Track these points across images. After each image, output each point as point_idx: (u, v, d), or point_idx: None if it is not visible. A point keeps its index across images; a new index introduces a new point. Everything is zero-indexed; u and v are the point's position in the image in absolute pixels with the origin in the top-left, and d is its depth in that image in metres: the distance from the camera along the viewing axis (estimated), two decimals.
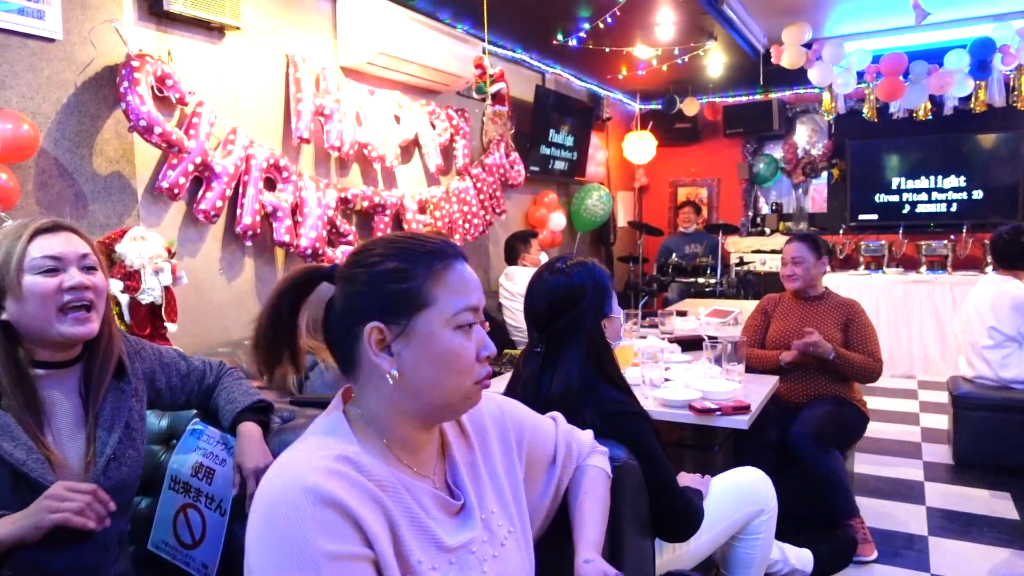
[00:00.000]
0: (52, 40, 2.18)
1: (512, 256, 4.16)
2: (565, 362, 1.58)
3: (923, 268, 5.57)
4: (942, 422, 4.03)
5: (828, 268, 2.83)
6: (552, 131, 5.15)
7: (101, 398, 1.32)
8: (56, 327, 1.22)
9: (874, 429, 3.95)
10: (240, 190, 2.75)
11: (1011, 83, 4.94)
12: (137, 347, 1.47)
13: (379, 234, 3.47)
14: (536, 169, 5.00)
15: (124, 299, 2.16)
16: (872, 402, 4.58)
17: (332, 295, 0.95)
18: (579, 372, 1.56)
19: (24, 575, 1.16)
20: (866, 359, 2.69)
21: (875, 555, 2.50)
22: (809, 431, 2.53)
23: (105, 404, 1.33)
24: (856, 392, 2.76)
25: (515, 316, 4.06)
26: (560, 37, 4.40)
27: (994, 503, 2.97)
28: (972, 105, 5.09)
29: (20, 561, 1.19)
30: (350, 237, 3.20)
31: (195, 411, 1.69)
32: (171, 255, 2.28)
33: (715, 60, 5.21)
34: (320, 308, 2.21)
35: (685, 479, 1.82)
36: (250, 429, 1.55)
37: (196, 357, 1.63)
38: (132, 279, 2.16)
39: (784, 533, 2.10)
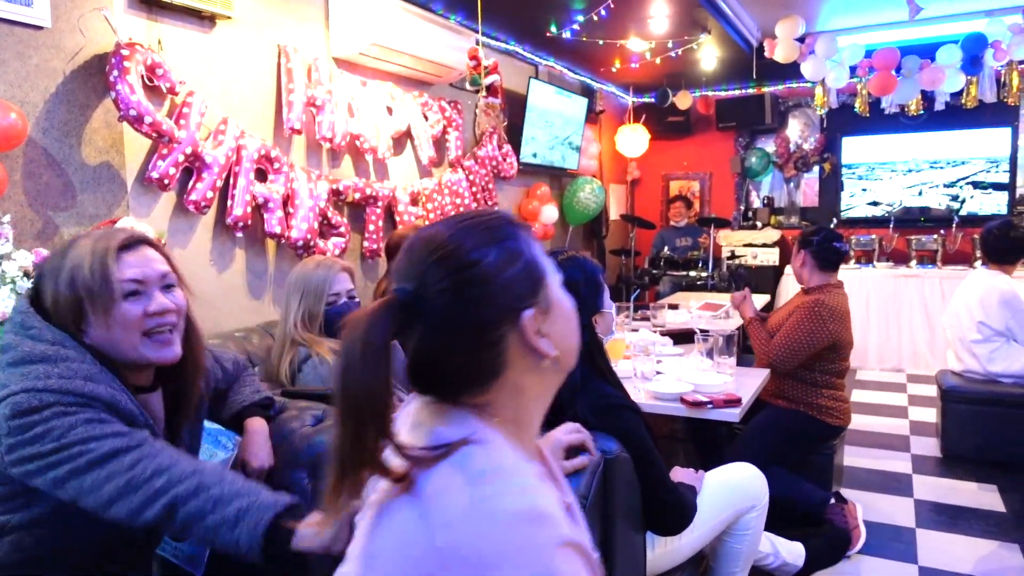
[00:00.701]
0: (40, 28, 2.16)
1: None
2: None
3: (913, 262, 5.60)
4: (930, 415, 4.07)
5: (800, 262, 2.82)
6: None
7: (182, 430, 1.30)
8: (139, 350, 1.20)
9: (863, 422, 3.99)
10: (231, 181, 2.73)
11: (1002, 79, 4.96)
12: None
13: (371, 226, 3.45)
14: (528, 162, 4.99)
15: None
16: (861, 395, 4.63)
17: (419, 331, 0.75)
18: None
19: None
20: (766, 342, 2.71)
21: (860, 545, 2.52)
22: (739, 454, 2.53)
23: (186, 431, 1.32)
24: (813, 397, 2.68)
25: None
26: (554, 29, 4.39)
27: (981, 496, 3.00)
28: (963, 100, 5.11)
29: (74, 563, 1.20)
30: (341, 229, 3.19)
31: None
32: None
33: (708, 53, 5.20)
34: (318, 300, 2.19)
35: (680, 475, 1.83)
36: (256, 425, 1.56)
37: (223, 354, 1.63)
38: None
39: (774, 524, 2.11)
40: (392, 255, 2.98)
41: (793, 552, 2.19)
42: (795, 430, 2.66)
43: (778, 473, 2.52)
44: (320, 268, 2.06)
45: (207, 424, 1.64)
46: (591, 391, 1.54)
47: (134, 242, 1.23)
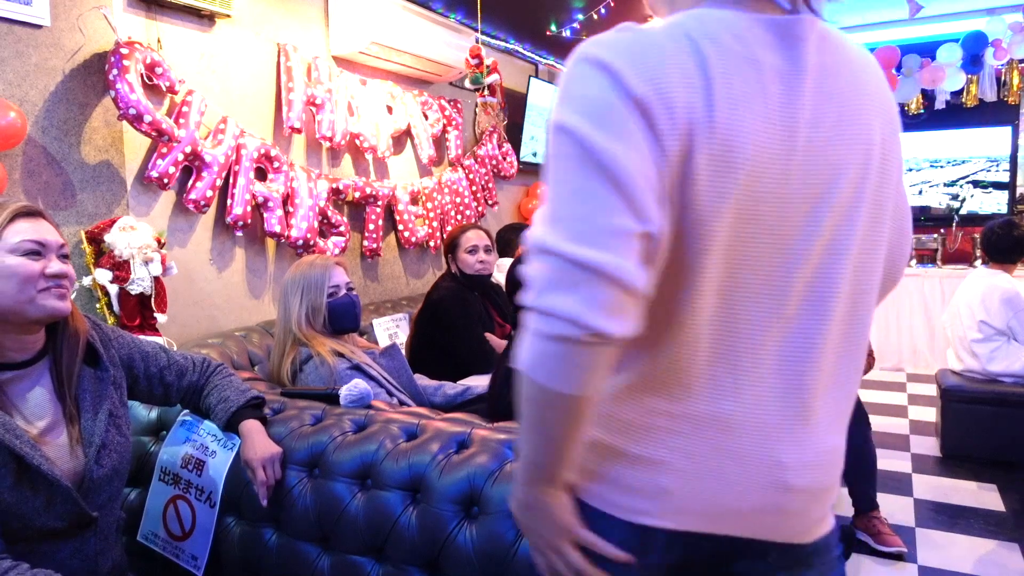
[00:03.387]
0: (39, 27, 2.15)
1: (509, 249, 4.14)
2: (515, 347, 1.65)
3: (913, 262, 5.60)
4: (930, 415, 4.07)
5: None
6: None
7: (76, 383, 1.32)
8: (35, 305, 1.23)
9: None
10: (231, 180, 2.72)
11: (1002, 77, 4.96)
12: (113, 335, 1.46)
13: (371, 225, 3.46)
14: (529, 161, 4.99)
15: (113, 289, 2.14)
16: (861, 394, 4.62)
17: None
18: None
19: (32, 563, 1.17)
20: None
21: (905, 546, 2.48)
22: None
23: (84, 393, 1.33)
24: None
25: None
26: (554, 28, 4.38)
27: (981, 495, 3.00)
28: (964, 99, 5.11)
29: (28, 550, 1.20)
30: (341, 228, 3.19)
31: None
32: (161, 245, 2.26)
33: None
34: (320, 293, 2.27)
35: None
36: (253, 426, 1.57)
37: (178, 352, 1.63)
38: (121, 269, 2.14)
39: None
40: (449, 250, 3.01)
41: None
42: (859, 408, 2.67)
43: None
44: (316, 264, 2.12)
45: (202, 422, 1.64)
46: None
47: (35, 211, 1.29)
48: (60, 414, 1.30)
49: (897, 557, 2.45)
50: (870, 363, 2.61)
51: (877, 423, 3.98)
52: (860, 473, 2.52)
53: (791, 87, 0.75)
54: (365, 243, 3.48)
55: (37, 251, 1.25)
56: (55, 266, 1.26)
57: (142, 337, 1.58)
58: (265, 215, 2.86)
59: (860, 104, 0.80)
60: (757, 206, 0.75)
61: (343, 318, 2.08)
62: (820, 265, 0.79)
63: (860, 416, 2.54)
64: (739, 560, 0.85)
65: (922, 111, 5.35)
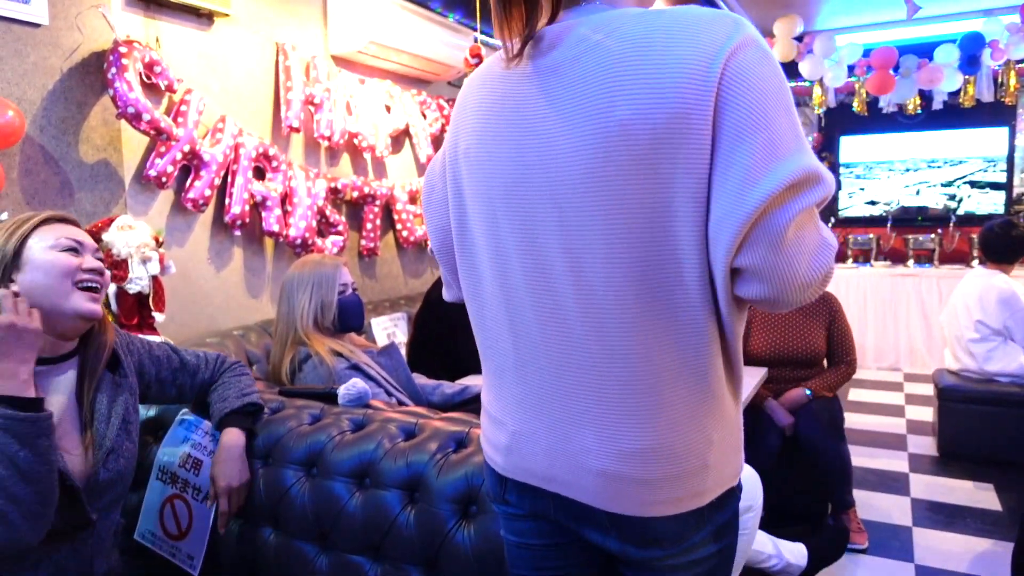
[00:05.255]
0: (38, 25, 2.15)
1: None
2: None
3: (910, 262, 5.61)
4: (927, 414, 4.08)
5: None
6: None
7: (95, 388, 1.34)
8: (71, 300, 1.27)
9: (860, 421, 4.00)
10: (229, 179, 2.72)
11: (999, 78, 4.97)
12: (125, 340, 1.47)
13: (369, 225, 3.45)
14: None
15: (111, 288, 2.14)
16: (858, 394, 4.64)
17: None
18: None
19: (27, 565, 1.17)
20: (840, 372, 2.73)
21: (867, 544, 2.53)
22: (821, 424, 2.57)
23: (102, 396, 1.34)
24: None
25: None
26: None
27: (977, 494, 3.01)
28: (961, 100, 5.12)
29: (26, 550, 1.20)
30: (340, 227, 3.19)
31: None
32: (159, 244, 2.26)
33: None
34: (331, 290, 2.26)
35: None
36: (232, 439, 1.55)
37: (190, 351, 1.63)
38: (119, 268, 2.14)
39: (772, 524, 2.11)
40: None
41: (795, 553, 2.19)
42: (836, 412, 2.72)
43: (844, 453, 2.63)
44: (325, 262, 2.13)
45: (201, 421, 1.64)
46: None
47: (67, 218, 1.35)
48: (76, 416, 1.32)
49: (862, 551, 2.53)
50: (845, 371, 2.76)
51: (874, 422, 4.00)
52: (834, 479, 2.58)
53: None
54: (363, 242, 3.48)
55: (75, 248, 1.30)
56: (92, 262, 1.31)
57: (151, 338, 1.59)
58: (263, 214, 2.86)
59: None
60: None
61: (352, 316, 2.09)
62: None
63: (834, 429, 2.63)
64: (585, 526, 0.91)
65: (919, 111, 5.35)
